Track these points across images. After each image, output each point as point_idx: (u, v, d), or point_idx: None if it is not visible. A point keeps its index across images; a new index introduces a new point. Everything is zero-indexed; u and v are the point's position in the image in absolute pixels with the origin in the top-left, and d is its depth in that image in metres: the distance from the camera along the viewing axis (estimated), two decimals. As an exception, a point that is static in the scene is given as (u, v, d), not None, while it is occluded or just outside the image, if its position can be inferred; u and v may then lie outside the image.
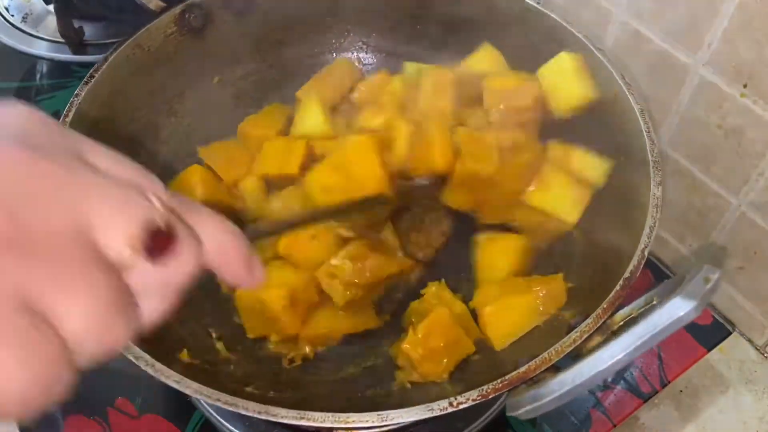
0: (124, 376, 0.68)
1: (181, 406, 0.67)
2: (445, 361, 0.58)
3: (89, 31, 1.00)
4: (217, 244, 0.29)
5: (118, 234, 0.25)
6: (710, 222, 0.71)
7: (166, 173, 0.71)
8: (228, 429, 0.66)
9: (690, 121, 0.67)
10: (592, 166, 0.66)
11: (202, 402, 0.66)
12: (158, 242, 0.26)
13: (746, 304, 0.72)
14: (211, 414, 0.67)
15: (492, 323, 0.59)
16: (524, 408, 0.45)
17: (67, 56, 0.99)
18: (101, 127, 0.63)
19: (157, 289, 0.27)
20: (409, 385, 0.59)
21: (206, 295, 0.65)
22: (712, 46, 0.61)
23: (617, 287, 0.51)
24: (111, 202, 0.25)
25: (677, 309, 0.44)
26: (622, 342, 0.44)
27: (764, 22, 0.56)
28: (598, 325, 0.49)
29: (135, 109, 0.68)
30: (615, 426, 0.67)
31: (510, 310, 0.60)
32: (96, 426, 0.65)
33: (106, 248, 0.25)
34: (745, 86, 0.60)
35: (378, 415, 0.44)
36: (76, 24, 0.97)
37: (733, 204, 0.67)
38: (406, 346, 0.58)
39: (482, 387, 0.46)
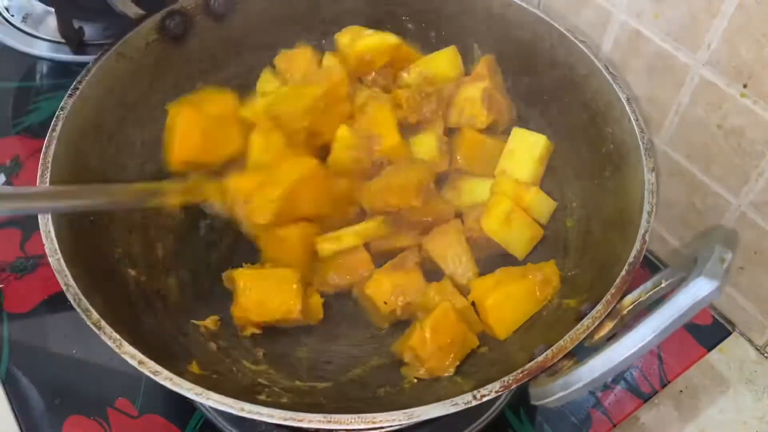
0: (124, 376, 0.68)
1: (181, 406, 0.67)
2: (451, 356, 0.58)
3: (89, 31, 1.00)
4: None
5: None
6: (710, 222, 0.71)
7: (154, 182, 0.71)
8: (228, 429, 0.66)
9: (690, 122, 0.67)
10: (541, 204, 0.67)
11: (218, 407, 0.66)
12: None
13: (746, 304, 0.72)
14: (211, 414, 0.67)
15: (494, 314, 0.60)
16: (554, 396, 0.45)
17: (67, 56, 0.99)
18: (88, 140, 0.63)
19: None
20: (416, 381, 0.59)
21: (207, 305, 0.65)
22: (712, 46, 0.61)
23: (623, 272, 0.51)
24: None
25: (700, 290, 0.44)
26: (649, 324, 0.44)
27: (764, 23, 0.56)
28: (608, 311, 0.50)
29: (120, 119, 0.67)
30: (615, 426, 0.67)
31: (509, 299, 0.60)
32: (96, 426, 0.65)
33: None
34: (745, 86, 0.60)
35: (404, 413, 0.44)
36: (76, 24, 0.97)
37: (733, 204, 0.67)
38: (413, 343, 0.58)
39: (504, 378, 0.46)
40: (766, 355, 0.73)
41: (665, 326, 0.43)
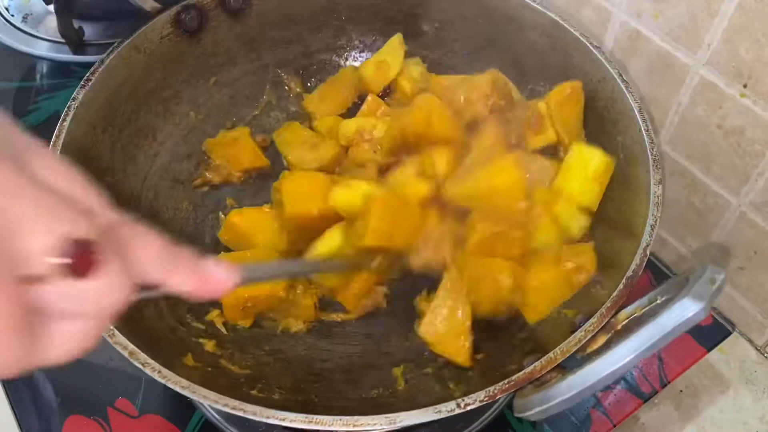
0: (124, 376, 0.68)
1: (181, 406, 0.67)
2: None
3: (89, 31, 1.00)
4: (156, 261, 0.28)
5: (37, 242, 0.23)
6: (710, 222, 0.71)
7: (165, 175, 0.71)
8: (228, 430, 0.66)
9: (690, 121, 0.67)
10: (574, 218, 0.64)
11: (203, 402, 0.66)
12: (81, 258, 0.24)
13: (746, 304, 0.72)
14: (211, 414, 0.67)
15: (535, 296, 0.59)
16: (534, 410, 0.45)
17: (67, 56, 0.99)
18: (98, 131, 0.63)
19: (77, 310, 0.25)
20: (407, 384, 0.59)
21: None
22: (712, 46, 0.61)
23: (620, 286, 0.51)
24: (38, 210, 0.23)
25: (686, 310, 0.43)
26: (630, 344, 0.44)
27: (764, 22, 0.56)
28: (602, 324, 0.49)
29: (132, 112, 0.68)
30: (615, 426, 0.67)
31: (550, 284, 0.59)
32: (96, 426, 0.65)
33: (23, 257, 0.23)
34: (745, 86, 0.60)
35: (386, 417, 0.44)
36: (76, 24, 0.97)
37: (732, 204, 0.67)
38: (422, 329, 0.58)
39: (488, 388, 0.46)
40: (766, 355, 0.73)
41: (647, 346, 0.43)
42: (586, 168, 0.63)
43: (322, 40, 0.81)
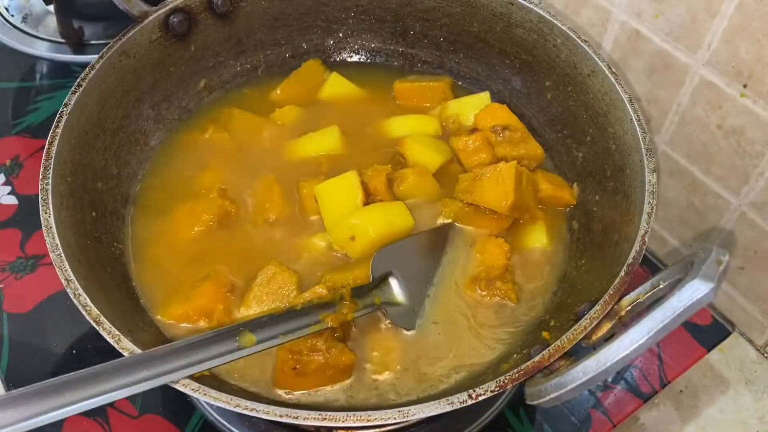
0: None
1: (181, 406, 0.67)
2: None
3: (89, 31, 1.00)
4: None
5: None
6: (710, 222, 0.71)
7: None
8: (228, 429, 0.66)
9: (690, 121, 0.67)
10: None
11: (202, 402, 0.66)
12: None
13: (746, 304, 0.72)
14: (211, 414, 0.67)
15: None
16: (548, 396, 0.45)
17: (67, 56, 0.99)
18: (91, 137, 0.63)
19: None
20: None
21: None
22: (712, 46, 0.61)
23: (622, 273, 0.51)
24: None
25: (696, 291, 0.43)
26: (643, 327, 0.44)
27: (764, 22, 0.56)
28: (606, 311, 0.49)
29: (124, 117, 0.68)
30: (615, 426, 0.67)
31: None
32: (96, 426, 0.65)
33: None
34: (745, 86, 0.60)
35: (399, 411, 0.44)
36: (76, 24, 0.97)
37: (733, 204, 0.67)
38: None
39: (499, 378, 0.46)
40: (766, 355, 0.73)
41: (660, 328, 0.43)
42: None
43: (311, 41, 0.81)
